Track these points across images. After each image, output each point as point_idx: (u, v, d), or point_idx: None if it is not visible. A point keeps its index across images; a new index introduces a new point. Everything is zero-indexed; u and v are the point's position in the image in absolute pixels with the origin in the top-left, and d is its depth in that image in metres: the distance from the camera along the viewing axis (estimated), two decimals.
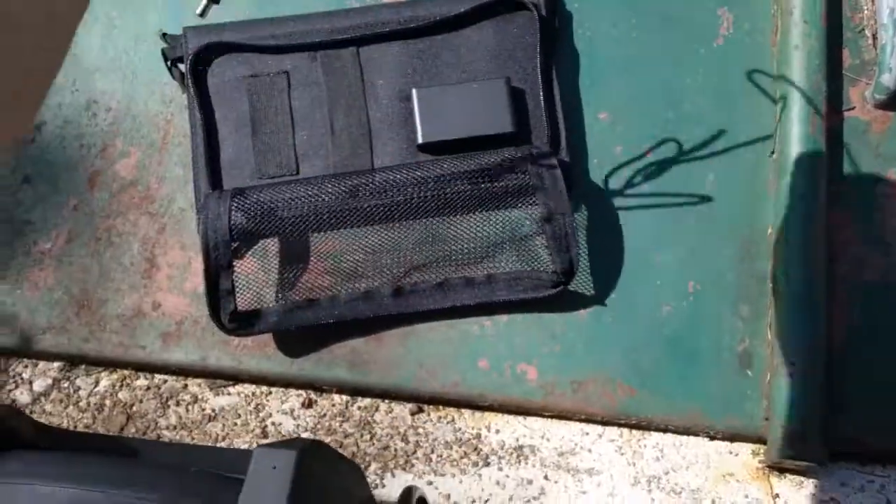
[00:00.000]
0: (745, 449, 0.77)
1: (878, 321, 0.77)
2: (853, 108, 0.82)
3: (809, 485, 0.76)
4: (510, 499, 0.74)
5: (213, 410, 0.79)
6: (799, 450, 0.72)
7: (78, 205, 0.81)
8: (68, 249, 0.80)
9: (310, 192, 0.76)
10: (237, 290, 0.73)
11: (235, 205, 0.74)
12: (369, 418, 0.77)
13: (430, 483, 0.75)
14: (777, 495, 0.75)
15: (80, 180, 0.81)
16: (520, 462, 0.75)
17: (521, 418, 0.77)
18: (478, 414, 0.77)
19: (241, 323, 0.74)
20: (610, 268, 0.78)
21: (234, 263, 0.75)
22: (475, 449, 0.76)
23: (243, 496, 0.47)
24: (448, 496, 0.74)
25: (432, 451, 0.76)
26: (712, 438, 0.77)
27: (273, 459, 0.48)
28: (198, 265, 0.78)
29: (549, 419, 0.77)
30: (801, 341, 0.74)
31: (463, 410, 0.78)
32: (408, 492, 0.63)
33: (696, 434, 0.77)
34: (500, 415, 0.77)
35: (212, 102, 0.81)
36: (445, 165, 0.76)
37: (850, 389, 0.76)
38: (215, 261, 0.73)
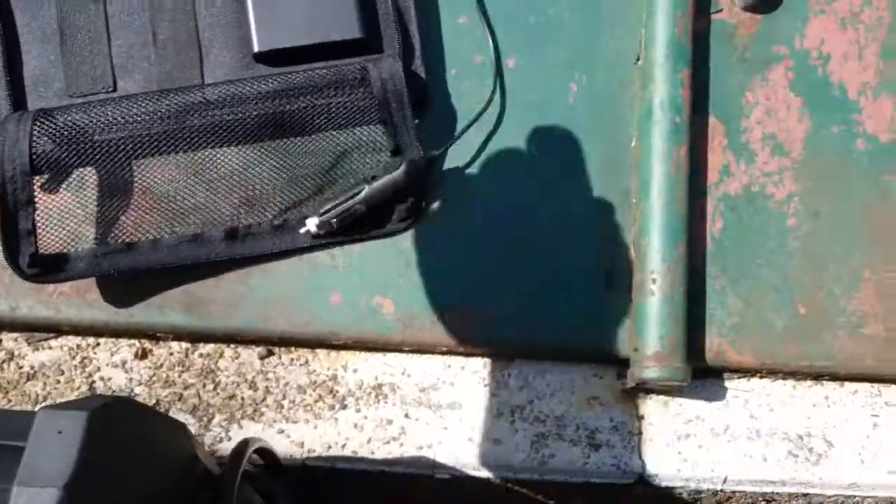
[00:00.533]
0: (610, 372, 0.75)
1: (743, 233, 0.75)
2: (721, 11, 0.78)
3: (674, 404, 0.75)
4: (368, 441, 0.69)
5: (32, 367, 0.70)
6: (660, 371, 0.70)
7: None
8: None
9: (128, 112, 0.66)
10: (39, 230, 0.64)
11: (39, 128, 0.64)
12: (213, 366, 0.70)
13: (281, 431, 0.69)
14: (642, 417, 0.74)
15: None
16: (379, 401, 0.71)
17: (379, 355, 0.72)
18: (333, 353, 0.72)
19: (45, 268, 0.65)
20: (467, 191, 0.72)
21: (39, 198, 0.65)
22: (331, 391, 0.70)
23: (22, 469, 0.40)
24: (301, 444, 0.68)
25: (284, 398, 0.70)
26: (578, 363, 0.74)
27: (59, 422, 0.41)
28: None
29: (410, 354, 0.72)
30: (662, 257, 0.72)
31: (317, 351, 0.72)
32: (243, 444, 0.57)
33: (560, 359, 0.74)
34: (357, 353, 0.72)
35: (11, 8, 0.70)
36: (284, 79, 0.68)
37: (713, 304, 0.75)
38: (13, 195, 0.63)
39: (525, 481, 0.71)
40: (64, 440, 0.41)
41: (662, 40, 0.74)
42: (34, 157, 0.64)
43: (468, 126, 0.71)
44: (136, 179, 0.68)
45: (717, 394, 0.76)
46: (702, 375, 0.74)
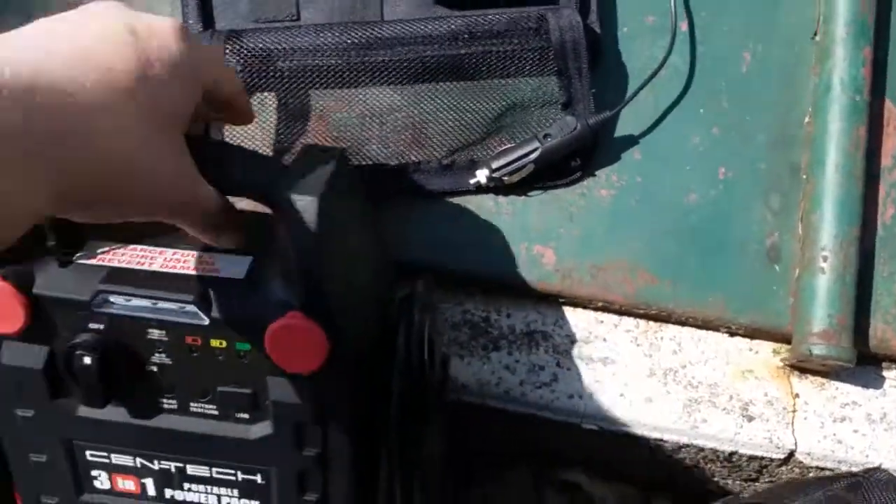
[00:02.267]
0: (766, 347, 0.74)
1: None
2: None
3: (831, 386, 0.73)
4: (520, 383, 0.70)
5: None
6: (827, 349, 0.68)
7: None
8: None
9: (310, 41, 0.68)
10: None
11: (230, 49, 0.68)
12: None
13: None
14: (797, 395, 0.72)
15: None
16: (531, 348, 0.71)
17: (533, 303, 0.73)
18: (488, 297, 0.73)
19: None
20: (635, 149, 0.73)
21: None
22: (484, 332, 0.72)
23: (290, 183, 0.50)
24: (455, 378, 0.70)
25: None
26: (733, 334, 0.74)
27: (317, 155, 0.54)
28: None
29: (563, 306, 0.73)
30: (835, 234, 0.70)
31: (473, 291, 0.73)
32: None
33: (716, 329, 0.73)
34: (511, 298, 0.73)
35: None
36: (463, 22, 0.69)
37: (879, 290, 0.73)
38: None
39: (672, 443, 0.70)
40: (320, 168, 0.52)
41: (844, 16, 0.73)
42: None
43: (641, 87, 0.71)
44: (312, 108, 0.71)
45: (876, 381, 0.73)
46: (861, 361, 0.72)
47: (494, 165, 0.69)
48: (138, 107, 0.40)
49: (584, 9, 0.72)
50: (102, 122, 0.39)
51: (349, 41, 0.68)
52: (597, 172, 0.72)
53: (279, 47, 0.68)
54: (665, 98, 0.73)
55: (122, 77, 0.40)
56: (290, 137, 0.70)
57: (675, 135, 0.73)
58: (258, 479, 0.59)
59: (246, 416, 0.56)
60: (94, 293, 0.52)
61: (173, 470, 0.59)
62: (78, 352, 0.53)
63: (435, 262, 0.70)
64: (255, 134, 0.71)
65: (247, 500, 0.60)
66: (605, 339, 0.72)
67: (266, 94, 0.70)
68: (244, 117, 0.56)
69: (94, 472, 0.60)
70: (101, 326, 0.53)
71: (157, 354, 0.54)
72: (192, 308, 0.52)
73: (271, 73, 0.69)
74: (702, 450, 0.70)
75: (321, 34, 0.69)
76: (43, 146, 0.37)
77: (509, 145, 0.70)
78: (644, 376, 0.71)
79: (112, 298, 0.52)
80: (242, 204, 0.55)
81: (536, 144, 0.69)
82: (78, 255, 0.54)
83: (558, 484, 0.82)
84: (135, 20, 0.42)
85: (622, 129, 0.73)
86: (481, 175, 0.69)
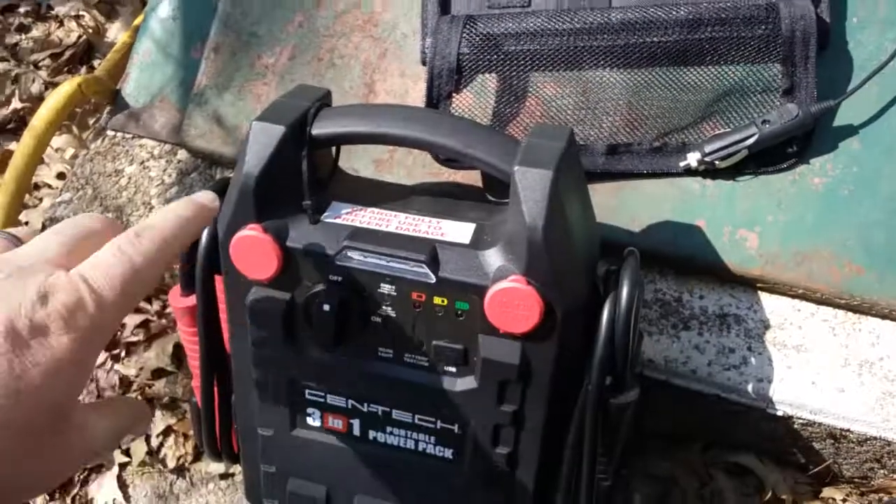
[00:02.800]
0: None
1: None
2: None
3: None
4: (708, 364, 0.72)
5: None
6: None
7: (303, 22, 0.81)
8: (290, 66, 0.81)
9: (538, 27, 0.72)
10: None
11: (467, 33, 0.72)
12: None
13: None
14: None
15: None
16: (722, 330, 0.73)
17: (728, 287, 0.74)
18: (682, 278, 0.75)
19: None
20: (854, 139, 0.71)
21: (454, 96, 0.73)
22: (675, 311, 0.74)
23: (523, 155, 0.56)
24: (643, 354, 0.73)
25: None
26: None
27: (548, 132, 0.59)
28: (416, 94, 0.77)
29: (758, 291, 0.73)
30: None
31: (666, 271, 0.75)
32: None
33: None
34: (704, 281, 0.74)
35: None
36: (693, 9, 0.70)
37: None
38: (437, 88, 0.72)
39: (859, 434, 0.70)
40: (552, 145, 0.56)
41: None
42: (459, 57, 0.72)
43: (868, 78, 0.69)
44: (531, 89, 0.74)
45: None
46: None
47: (707, 149, 0.69)
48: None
49: None
50: None
51: (577, 26, 0.71)
52: (811, 160, 0.71)
53: (510, 31, 0.72)
54: (891, 90, 0.71)
55: None
56: (510, 115, 0.74)
57: None
58: (455, 428, 0.64)
59: (454, 369, 0.61)
60: (338, 249, 0.58)
61: (380, 413, 0.65)
62: (318, 299, 0.59)
63: (635, 240, 0.73)
64: (475, 112, 0.75)
65: (442, 448, 0.65)
66: (800, 327, 0.72)
67: (489, 74, 0.74)
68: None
69: (308, 410, 0.67)
70: (340, 279, 0.60)
71: (384, 307, 0.60)
72: (422, 267, 0.58)
73: (498, 56, 0.72)
74: (889, 443, 0.70)
75: (552, 19, 0.72)
76: None
77: (724, 130, 0.70)
78: (838, 366, 0.71)
79: (352, 254, 0.58)
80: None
81: (754, 130, 0.69)
82: (325, 214, 0.61)
83: (729, 466, 0.83)
84: (14, 314, 0.36)
85: (842, 119, 0.71)
86: (692, 158, 0.70)
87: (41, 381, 0.37)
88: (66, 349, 0.37)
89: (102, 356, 0.98)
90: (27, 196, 1.02)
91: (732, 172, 0.71)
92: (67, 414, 0.39)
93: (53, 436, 0.39)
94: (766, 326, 0.72)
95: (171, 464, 0.96)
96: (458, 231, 0.59)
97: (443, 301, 0.59)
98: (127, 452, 0.97)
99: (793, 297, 0.73)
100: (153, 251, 0.41)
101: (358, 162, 0.78)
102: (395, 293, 0.59)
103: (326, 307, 0.59)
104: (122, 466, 0.97)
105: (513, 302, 0.55)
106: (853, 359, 0.71)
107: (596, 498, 0.67)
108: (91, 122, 1.05)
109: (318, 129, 0.60)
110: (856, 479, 0.80)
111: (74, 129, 1.12)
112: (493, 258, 0.57)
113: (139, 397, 0.99)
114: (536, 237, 0.54)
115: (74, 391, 0.40)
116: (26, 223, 1.05)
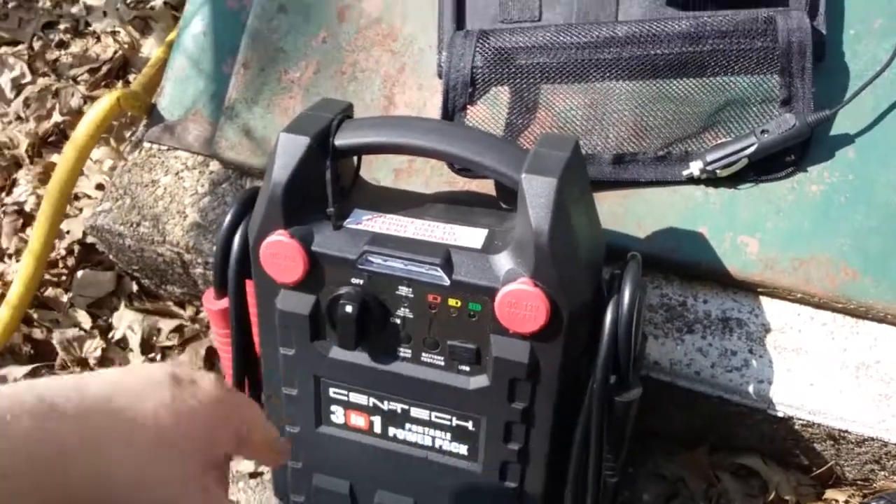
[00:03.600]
0: None
1: None
2: None
3: None
4: (712, 366, 0.75)
5: None
6: None
7: (327, 37, 0.86)
8: (315, 80, 0.86)
9: (549, 41, 0.75)
10: None
11: (480, 47, 0.76)
12: None
13: None
14: None
15: (331, 13, 0.86)
16: (724, 333, 0.76)
17: (730, 292, 0.77)
18: (686, 282, 0.78)
19: None
20: (850, 148, 0.74)
21: (468, 108, 0.77)
22: (680, 315, 0.77)
23: (530, 164, 0.60)
24: (648, 356, 0.76)
25: None
26: None
27: (554, 144, 0.62)
28: (433, 106, 0.82)
29: (760, 296, 0.77)
30: None
31: (671, 277, 0.78)
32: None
33: None
34: (708, 286, 0.78)
35: None
36: (694, 22, 0.73)
37: None
38: (452, 101, 0.76)
39: (857, 435, 0.73)
40: (557, 155, 0.60)
41: None
42: (473, 70, 0.76)
43: (862, 87, 0.72)
44: (542, 100, 0.78)
45: None
46: None
47: (709, 158, 0.73)
48: (173, 450, 0.42)
49: (812, 10, 0.74)
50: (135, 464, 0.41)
51: (585, 40, 0.75)
52: (808, 168, 0.74)
53: (521, 45, 0.76)
54: (885, 100, 0.74)
55: (158, 415, 0.42)
56: (522, 126, 0.78)
57: (893, 136, 0.74)
58: (469, 425, 0.68)
59: (467, 368, 0.65)
60: (360, 253, 0.63)
61: (399, 411, 0.69)
62: (342, 301, 0.64)
63: (641, 246, 0.76)
64: (488, 123, 0.79)
65: (457, 444, 0.69)
66: (799, 331, 0.75)
67: (502, 87, 0.78)
68: (273, 460, 0.53)
69: (332, 408, 0.71)
70: (361, 282, 0.64)
71: (402, 308, 0.64)
72: (437, 270, 0.62)
73: (510, 70, 0.76)
74: (885, 444, 0.72)
75: (561, 34, 0.75)
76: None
77: (725, 139, 0.74)
78: (836, 369, 0.74)
79: (373, 258, 0.63)
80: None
81: (753, 140, 0.72)
82: (347, 220, 0.65)
83: (735, 468, 0.86)
84: (178, 370, 0.44)
85: (838, 128, 0.74)
86: (695, 167, 0.74)
87: (199, 418, 0.44)
88: (218, 400, 0.46)
89: (139, 360, 1.03)
90: (68, 206, 1.07)
91: (733, 181, 0.75)
92: (218, 464, 0.47)
93: (206, 483, 0.45)
94: (767, 330, 0.76)
95: None
96: (471, 236, 0.63)
97: (457, 303, 0.63)
98: None
99: (792, 301, 0.76)
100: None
101: (379, 171, 0.82)
102: (412, 295, 0.63)
103: (349, 308, 0.63)
104: None
105: (521, 303, 0.59)
106: (851, 361, 0.74)
107: (603, 493, 0.70)
108: (127, 134, 1.10)
109: (341, 139, 0.64)
110: (858, 482, 0.82)
111: (112, 141, 1.17)
112: (504, 261, 0.61)
113: None
114: (543, 241, 0.58)
115: (224, 443, 0.47)
116: (68, 232, 1.11)
